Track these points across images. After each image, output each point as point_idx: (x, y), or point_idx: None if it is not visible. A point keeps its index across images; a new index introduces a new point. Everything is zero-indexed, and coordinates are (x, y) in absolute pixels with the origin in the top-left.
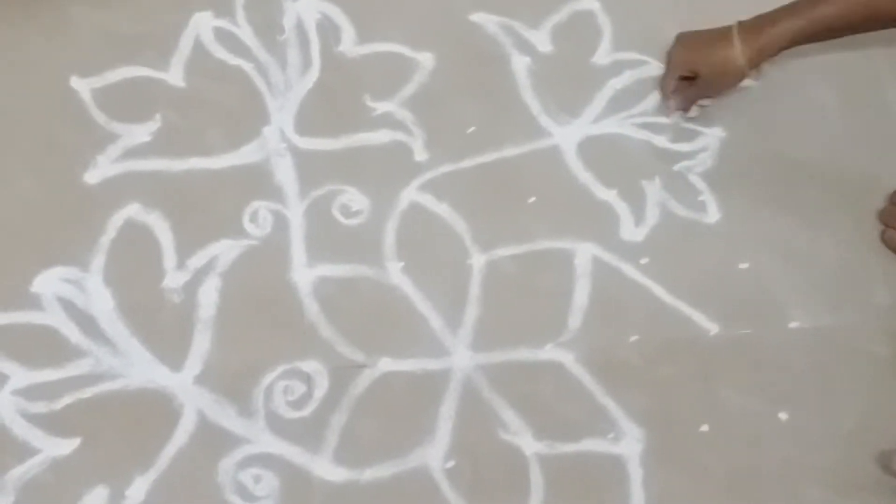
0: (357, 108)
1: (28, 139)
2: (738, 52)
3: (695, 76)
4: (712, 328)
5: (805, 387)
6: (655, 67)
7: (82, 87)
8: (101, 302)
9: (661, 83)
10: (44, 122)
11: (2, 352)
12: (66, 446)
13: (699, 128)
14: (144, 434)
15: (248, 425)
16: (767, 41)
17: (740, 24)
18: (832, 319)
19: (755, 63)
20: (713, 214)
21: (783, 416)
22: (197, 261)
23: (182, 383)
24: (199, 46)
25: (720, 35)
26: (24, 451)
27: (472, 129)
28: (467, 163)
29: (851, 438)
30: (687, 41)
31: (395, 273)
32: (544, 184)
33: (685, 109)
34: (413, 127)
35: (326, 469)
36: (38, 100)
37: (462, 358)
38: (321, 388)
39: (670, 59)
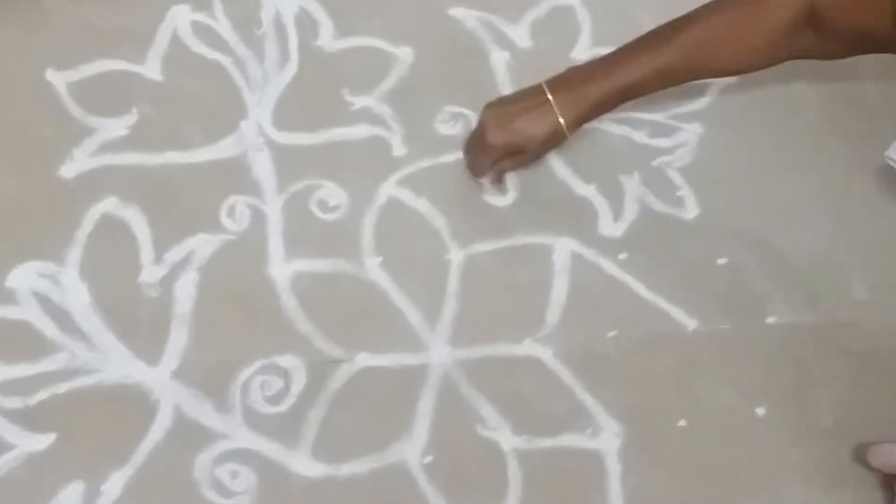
0: (335, 102)
1: (2, 133)
2: (559, 120)
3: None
4: (691, 324)
5: (783, 382)
6: None
7: (58, 80)
8: (77, 296)
9: (474, 163)
10: (19, 116)
11: None
12: (41, 441)
13: (678, 124)
14: (120, 429)
15: (225, 420)
16: (586, 107)
17: (552, 89)
18: (810, 315)
19: (575, 127)
20: (691, 210)
21: (760, 411)
22: (174, 255)
23: (159, 378)
24: (176, 40)
25: (536, 105)
26: None
27: (451, 123)
28: (446, 158)
29: (829, 434)
30: (501, 117)
31: (372, 268)
32: (523, 179)
33: (498, 180)
34: (391, 122)
35: (304, 464)
36: (13, 93)
37: (440, 353)
38: (299, 383)
39: (485, 140)
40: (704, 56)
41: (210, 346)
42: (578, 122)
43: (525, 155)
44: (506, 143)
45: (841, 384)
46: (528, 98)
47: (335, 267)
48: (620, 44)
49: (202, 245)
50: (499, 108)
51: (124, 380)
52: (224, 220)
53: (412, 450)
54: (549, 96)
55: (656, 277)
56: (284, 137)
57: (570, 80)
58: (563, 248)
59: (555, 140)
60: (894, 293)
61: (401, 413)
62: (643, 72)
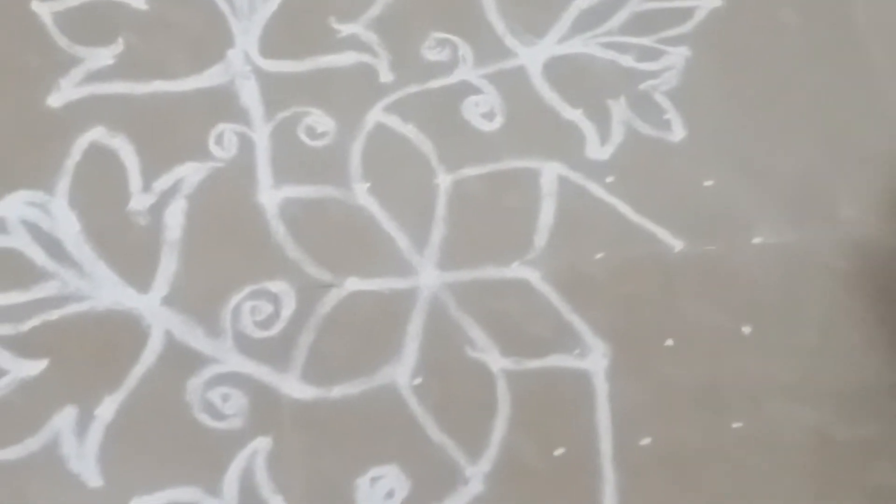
0: (322, 30)
1: None
2: None
3: None
4: (677, 245)
5: (768, 301)
6: None
7: (43, 10)
8: (67, 225)
9: None
10: (5, 47)
11: None
12: (34, 367)
13: (665, 47)
14: (112, 355)
15: (216, 345)
16: None
17: None
18: (795, 234)
19: None
20: (678, 133)
21: (746, 329)
22: (162, 183)
23: (149, 304)
24: None
25: None
26: None
27: (438, 50)
28: (433, 84)
29: (813, 351)
30: None
31: (361, 194)
32: (509, 104)
33: None
34: (378, 48)
35: (294, 387)
36: None
37: (429, 277)
38: (288, 307)
39: None
40: None
41: (200, 272)
42: None
43: None
44: None
45: (825, 303)
46: None
47: (323, 193)
48: None
49: (191, 173)
50: None
51: (115, 306)
52: (212, 147)
53: (402, 372)
54: None
55: (643, 200)
56: (271, 65)
57: None
58: (551, 172)
59: None
60: (878, 212)
61: (390, 336)
62: None
